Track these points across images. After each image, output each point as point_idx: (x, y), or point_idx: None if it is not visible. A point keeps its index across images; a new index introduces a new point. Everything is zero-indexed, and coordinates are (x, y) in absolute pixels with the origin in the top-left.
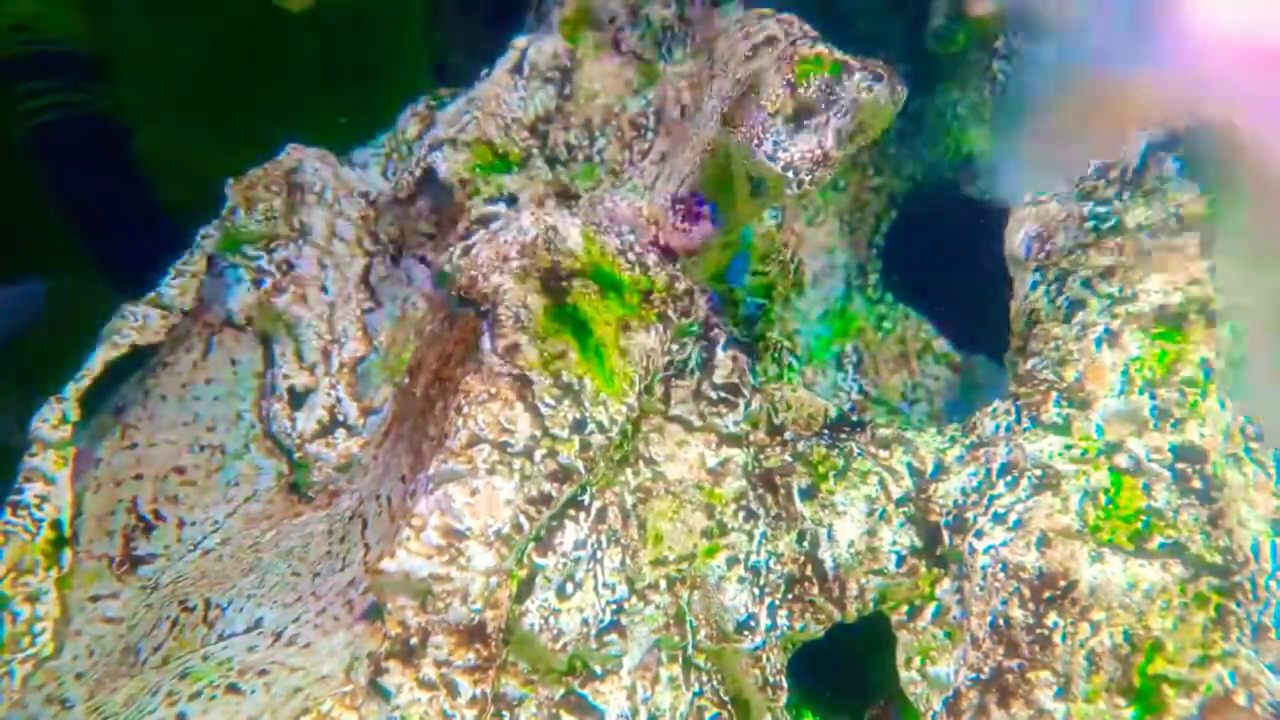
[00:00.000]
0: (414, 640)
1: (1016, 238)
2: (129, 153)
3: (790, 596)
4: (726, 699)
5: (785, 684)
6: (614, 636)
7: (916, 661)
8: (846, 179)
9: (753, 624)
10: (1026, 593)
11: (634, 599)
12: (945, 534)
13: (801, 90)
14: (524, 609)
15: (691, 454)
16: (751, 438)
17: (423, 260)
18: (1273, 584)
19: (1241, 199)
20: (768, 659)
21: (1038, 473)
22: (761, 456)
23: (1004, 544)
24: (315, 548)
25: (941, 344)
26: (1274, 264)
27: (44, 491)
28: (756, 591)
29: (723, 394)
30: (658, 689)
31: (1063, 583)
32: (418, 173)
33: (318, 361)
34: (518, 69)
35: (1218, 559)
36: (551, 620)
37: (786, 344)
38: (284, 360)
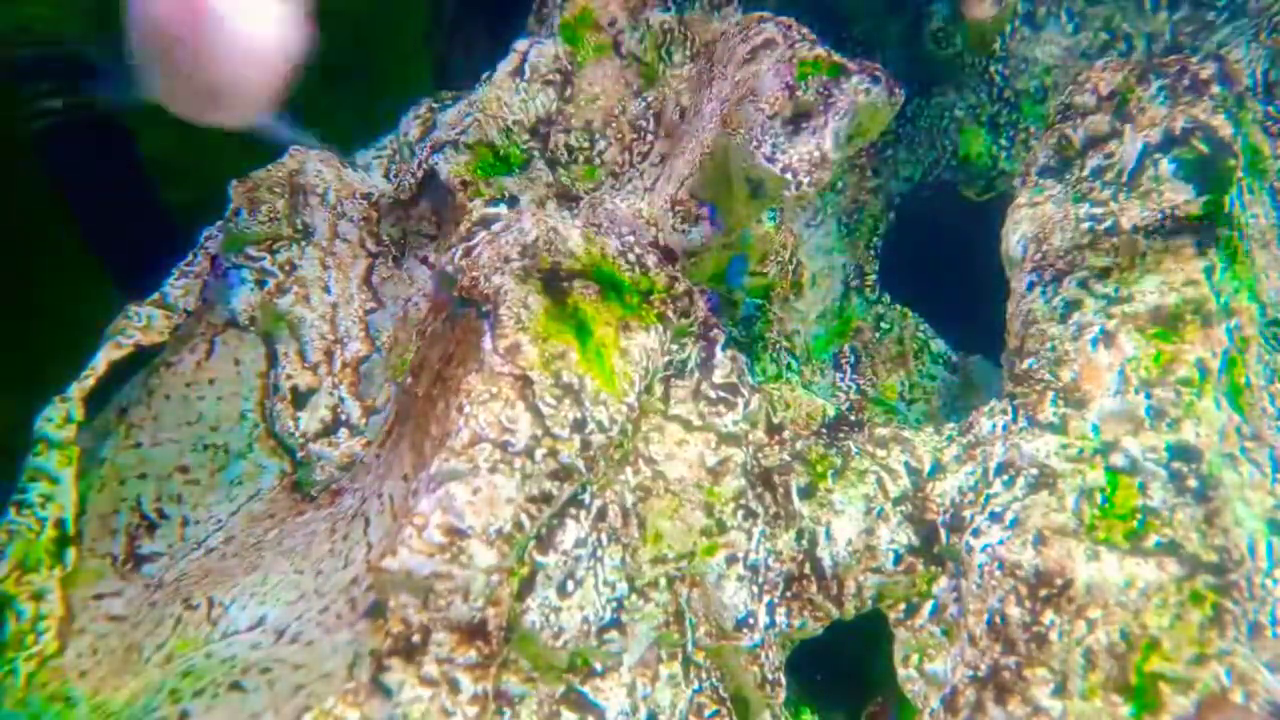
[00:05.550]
0: (416, 638)
1: (1013, 239)
2: (133, 155)
3: (789, 594)
4: (726, 696)
5: (784, 681)
6: (614, 634)
7: (914, 659)
8: (845, 180)
9: (751, 621)
10: (1023, 591)
11: (634, 597)
12: (942, 532)
13: (800, 93)
14: (525, 606)
15: (691, 453)
16: (750, 437)
17: (425, 261)
18: (1268, 582)
19: None
20: (766, 656)
21: (1034, 472)
22: (760, 455)
23: (1001, 542)
24: (318, 546)
25: (939, 344)
26: None
27: (48, 490)
28: (755, 589)
29: (722, 394)
30: (657, 686)
31: (1059, 581)
32: (420, 174)
33: (320, 361)
34: (519, 72)
35: (1214, 557)
36: (552, 618)
37: (785, 344)
38: (287, 360)
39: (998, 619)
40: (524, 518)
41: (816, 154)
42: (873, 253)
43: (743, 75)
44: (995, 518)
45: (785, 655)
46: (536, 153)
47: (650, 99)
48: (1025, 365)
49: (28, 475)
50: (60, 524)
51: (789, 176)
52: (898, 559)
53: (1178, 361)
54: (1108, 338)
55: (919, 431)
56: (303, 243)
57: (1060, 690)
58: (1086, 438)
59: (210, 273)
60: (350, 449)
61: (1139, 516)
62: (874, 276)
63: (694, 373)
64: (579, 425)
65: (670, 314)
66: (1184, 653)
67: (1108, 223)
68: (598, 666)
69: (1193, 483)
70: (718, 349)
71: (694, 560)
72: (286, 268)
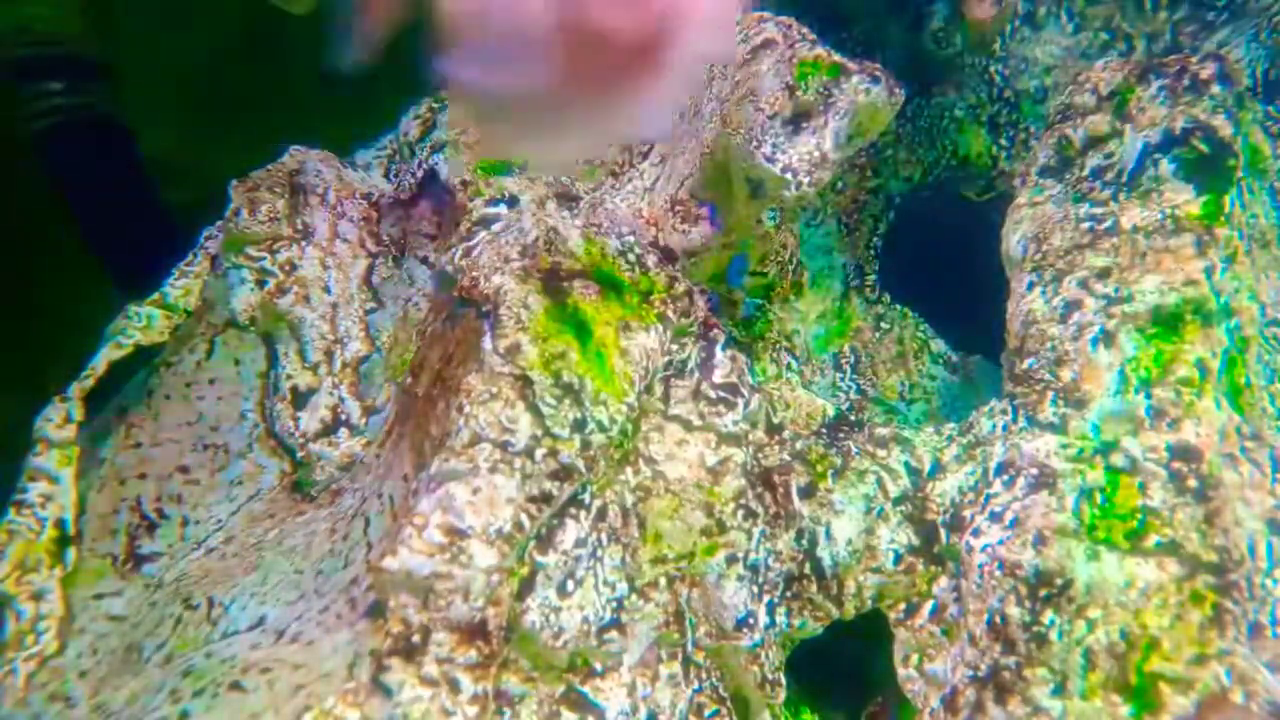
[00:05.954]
0: (416, 638)
1: (1013, 239)
2: (132, 155)
3: (789, 594)
4: (725, 696)
5: (784, 681)
6: (614, 634)
7: (914, 659)
8: (845, 180)
9: (751, 621)
10: (1023, 591)
11: (634, 596)
12: (942, 532)
13: (800, 92)
14: (525, 606)
15: (691, 453)
16: (750, 437)
17: (425, 261)
18: (1268, 582)
19: None
20: (766, 656)
21: (1034, 472)
22: (760, 455)
23: (1000, 542)
24: (318, 546)
25: (939, 344)
26: None
27: (48, 490)
28: (755, 589)
29: (722, 393)
30: (657, 686)
31: (1059, 581)
32: (420, 174)
33: (321, 361)
34: None
35: (1214, 557)
36: (552, 618)
37: (785, 344)
38: (287, 360)
39: (998, 619)
40: (524, 518)
41: (816, 154)
42: (873, 253)
43: (743, 75)
44: (995, 517)
45: (785, 655)
46: None
47: None
48: (1025, 365)
49: (28, 475)
50: (60, 524)
51: (789, 176)
52: (898, 559)
53: (1178, 361)
54: (1108, 337)
55: (919, 431)
56: (303, 243)
57: (1060, 690)
58: (1086, 438)
59: (210, 273)
60: (350, 449)
61: (1139, 516)
62: (874, 276)
63: (694, 373)
64: (579, 425)
65: (670, 314)
66: (1184, 653)
67: (1108, 223)
68: (598, 666)
69: (1193, 483)
70: (718, 349)
71: (694, 560)
72: (286, 268)
